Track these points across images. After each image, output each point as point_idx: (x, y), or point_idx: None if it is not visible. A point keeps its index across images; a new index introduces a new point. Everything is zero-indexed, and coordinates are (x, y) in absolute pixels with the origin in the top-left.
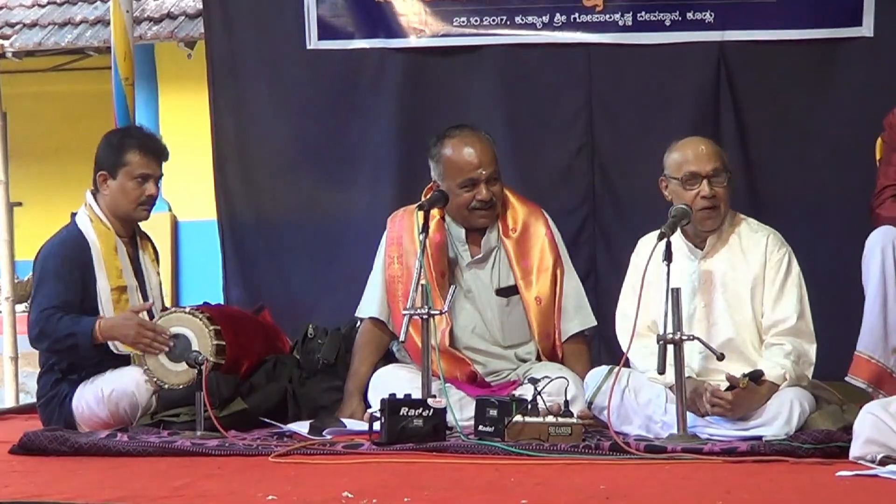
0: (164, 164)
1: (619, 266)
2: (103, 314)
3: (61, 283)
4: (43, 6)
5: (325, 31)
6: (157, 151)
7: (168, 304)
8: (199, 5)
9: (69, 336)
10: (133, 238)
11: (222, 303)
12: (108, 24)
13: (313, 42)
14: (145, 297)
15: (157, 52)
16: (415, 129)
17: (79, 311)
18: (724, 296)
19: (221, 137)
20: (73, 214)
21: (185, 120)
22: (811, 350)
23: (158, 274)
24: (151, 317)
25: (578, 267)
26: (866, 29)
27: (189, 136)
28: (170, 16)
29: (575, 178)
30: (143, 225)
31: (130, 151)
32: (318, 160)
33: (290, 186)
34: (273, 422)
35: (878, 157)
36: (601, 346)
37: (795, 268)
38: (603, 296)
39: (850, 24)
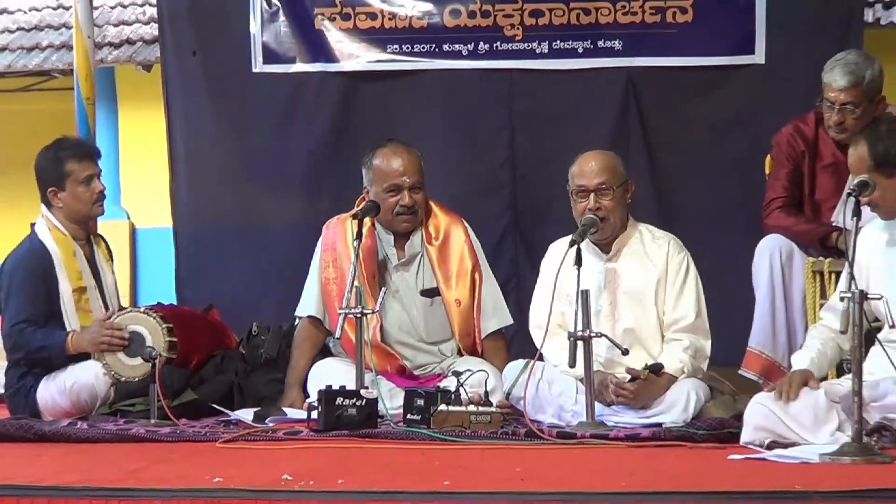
0: (123, 176)
1: (538, 269)
2: (66, 313)
3: (28, 296)
4: (12, 32)
5: (269, 57)
6: (90, 153)
7: (126, 303)
8: (156, 32)
9: (42, 349)
10: (88, 239)
11: (175, 303)
12: (72, 48)
13: (258, 66)
14: (102, 295)
15: (116, 74)
16: (349, 145)
17: (45, 318)
18: (628, 293)
19: (176, 152)
20: (33, 224)
21: (142, 136)
22: (707, 345)
23: (113, 272)
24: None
25: (502, 269)
26: (758, 56)
27: (146, 150)
28: (128, 41)
29: (498, 189)
30: (104, 233)
31: (68, 162)
32: (261, 172)
33: (235, 197)
34: (221, 408)
35: (767, 171)
36: (524, 341)
37: (693, 270)
38: (524, 295)
39: (744, 53)
